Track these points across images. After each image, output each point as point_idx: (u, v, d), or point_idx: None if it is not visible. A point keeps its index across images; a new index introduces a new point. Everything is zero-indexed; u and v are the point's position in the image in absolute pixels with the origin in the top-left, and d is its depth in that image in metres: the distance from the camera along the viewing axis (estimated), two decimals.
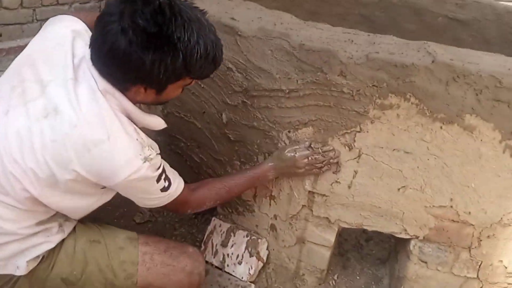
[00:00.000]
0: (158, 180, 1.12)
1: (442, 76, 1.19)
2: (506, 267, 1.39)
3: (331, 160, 1.36)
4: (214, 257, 1.62)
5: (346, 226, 1.48)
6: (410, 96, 1.23)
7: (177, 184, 1.21)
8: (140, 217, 1.90)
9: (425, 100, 1.23)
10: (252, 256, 1.55)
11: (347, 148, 1.34)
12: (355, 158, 1.35)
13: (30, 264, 1.12)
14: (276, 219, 1.58)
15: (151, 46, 0.95)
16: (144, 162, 1.06)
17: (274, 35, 1.31)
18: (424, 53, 1.23)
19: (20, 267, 1.10)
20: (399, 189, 1.36)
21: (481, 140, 1.23)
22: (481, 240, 1.36)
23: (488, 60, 1.23)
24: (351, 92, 1.25)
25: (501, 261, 1.38)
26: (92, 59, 1.03)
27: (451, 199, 1.33)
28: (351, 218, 1.46)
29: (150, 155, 1.08)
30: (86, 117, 1.01)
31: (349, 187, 1.40)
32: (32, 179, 1.03)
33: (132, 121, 1.09)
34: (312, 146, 1.35)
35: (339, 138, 1.33)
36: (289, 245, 1.60)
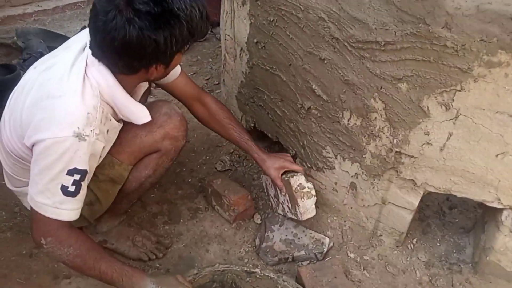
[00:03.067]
0: (70, 172, 1.04)
1: None
2: None
3: None
4: (278, 208, 1.65)
5: (433, 190, 1.42)
6: None
7: (75, 209, 1.09)
8: (221, 165, 1.97)
9: None
10: (302, 197, 1.50)
11: (443, 107, 1.25)
12: (452, 119, 1.26)
13: None
14: (357, 177, 1.55)
15: (161, 25, 1.00)
16: (75, 136, 1.03)
17: None
18: None
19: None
20: (497, 155, 1.26)
21: None
22: None
23: None
24: (455, 46, 1.15)
25: None
26: (96, 56, 1.10)
27: None
28: (440, 183, 1.39)
29: (87, 135, 1.04)
30: (59, 75, 1.09)
31: (441, 149, 1.32)
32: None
33: (115, 102, 1.14)
34: None
35: (435, 97, 1.25)
36: (369, 205, 1.58)
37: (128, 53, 1.04)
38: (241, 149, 1.59)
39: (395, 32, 1.22)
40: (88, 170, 1.09)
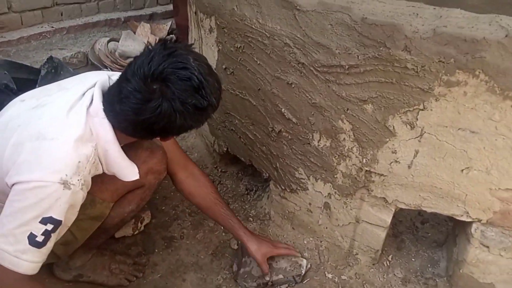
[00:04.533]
0: (44, 221, 0.98)
1: None
2: None
3: None
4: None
5: (403, 207, 1.45)
6: (479, 72, 1.16)
7: (36, 261, 1.00)
8: None
9: (496, 77, 1.15)
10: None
11: (408, 126, 1.29)
12: (417, 137, 1.30)
13: None
14: (330, 197, 1.57)
15: (203, 116, 1.07)
16: (60, 183, 0.98)
17: (334, 9, 1.27)
18: (496, 27, 1.15)
19: None
20: (462, 170, 1.30)
21: None
22: None
23: None
24: (415, 68, 1.20)
25: None
26: (106, 113, 1.08)
27: None
28: (410, 199, 1.42)
29: (73, 184, 1.00)
30: (54, 115, 1.05)
31: (409, 167, 1.36)
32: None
33: (106, 156, 1.11)
34: None
35: (400, 117, 1.29)
36: (343, 224, 1.60)
37: (158, 131, 1.07)
38: (226, 227, 1.52)
39: (358, 56, 1.26)
40: (62, 222, 1.02)
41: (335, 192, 1.54)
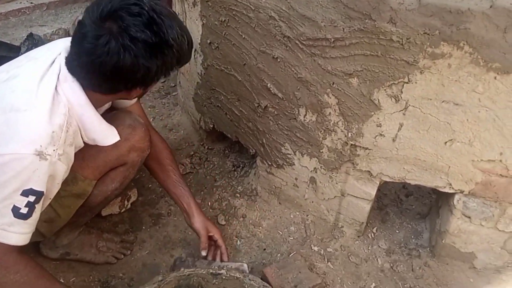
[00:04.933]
0: (25, 193, 0.97)
1: (501, 22, 1.11)
2: None
3: None
4: None
5: (388, 179, 1.47)
6: (463, 44, 1.16)
7: (24, 233, 1.01)
8: (182, 168, 1.94)
9: (480, 48, 1.16)
10: None
11: (393, 99, 1.30)
12: (401, 110, 1.31)
13: None
14: (316, 172, 1.58)
15: (156, 54, 1.01)
16: (35, 155, 0.97)
17: None
18: None
19: None
20: (446, 143, 1.32)
21: None
22: None
23: None
24: (400, 40, 1.20)
25: None
26: (73, 73, 1.06)
27: (501, 153, 1.29)
28: (394, 172, 1.44)
29: (48, 155, 0.98)
30: (25, 88, 1.03)
31: (394, 140, 1.37)
32: None
33: (83, 120, 1.09)
34: None
35: (385, 90, 1.29)
36: (329, 198, 1.62)
37: (116, 77, 1.02)
38: (175, 194, 1.47)
39: (343, 29, 1.25)
40: (44, 193, 1.02)
41: (320, 166, 1.56)
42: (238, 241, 1.65)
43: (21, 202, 0.98)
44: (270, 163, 1.69)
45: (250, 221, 1.72)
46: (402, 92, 1.28)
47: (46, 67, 1.07)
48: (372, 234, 1.68)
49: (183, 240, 1.64)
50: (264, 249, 1.62)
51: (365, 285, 1.52)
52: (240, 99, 1.67)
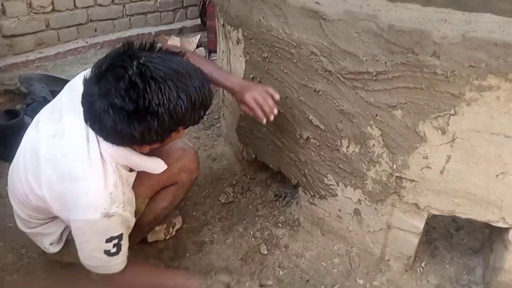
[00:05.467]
0: (108, 240, 1.13)
1: None
2: None
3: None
4: None
5: (436, 213, 1.42)
6: None
7: (121, 261, 1.20)
8: (224, 197, 1.99)
9: None
10: None
11: (440, 132, 1.27)
12: (449, 142, 1.28)
13: (54, 247, 1.35)
14: (360, 203, 1.56)
15: (135, 121, 0.99)
16: (103, 217, 1.08)
17: (361, 17, 1.27)
18: None
19: (47, 248, 1.35)
20: (497, 175, 1.27)
21: None
22: None
23: None
24: (445, 73, 1.19)
25: None
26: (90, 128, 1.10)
27: None
28: (442, 205, 1.40)
29: (114, 212, 1.09)
30: (77, 152, 1.10)
31: (441, 172, 1.34)
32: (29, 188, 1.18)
33: (130, 164, 1.17)
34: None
35: (431, 122, 1.27)
36: (374, 230, 1.59)
37: (109, 135, 1.06)
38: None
39: (386, 63, 1.26)
40: (124, 232, 1.16)
41: (365, 198, 1.54)
42: (281, 271, 1.64)
43: (108, 246, 1.14)
44: (312, 194, 1.69)
45: (293, 252, 1.71)
46: (448, 124, 1.26)
47: (87, 124, 1.11)
48: (421, 269, 1.62)
49: (226, 268, 1.66)
50: (307, 281, 1.60)
51: None
52: (282, 131, 1.70)
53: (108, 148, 1.12)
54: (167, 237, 1.76)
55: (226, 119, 2.20)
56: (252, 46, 1.66)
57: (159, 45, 1.08)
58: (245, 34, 1.68)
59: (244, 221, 1.85)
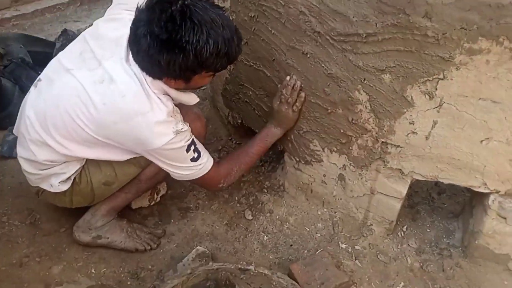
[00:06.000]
0: (187, 149, 1.31)
1: None
2: None
3: (295, 87, 1.49)
4: None
5: (420, 178, 1.43)
6: (503, 39, 1.11)
7: (207, 158, 1.39)
8: None
9: None
10: None
11: (427, 96, 1.26)
12: (436, 107, 1.27)
13: (62, 185, 1.40)
14: (345, 169, 1.56)
15: (164, 50, 1.12)
16: (176, 134, 1.25)
17: None
18: None
19: (53, 185, 1.40)
20: (482, 141, 1.28)
21: None
22: None
23: None
24: (436, 35, 1.16)
25: None
26: (131, 53, 1.23)
27: None
28: (426, 170, 1.40)
29: (182, 128, 1.27)
30: (133, 91, 1.22)
31: (427, 138, 1.33)
32: (76, 132, 1.28)
33: (170, 95, 1.28)
34: None
35: (419, 86, 1.26)
36: (358, 195, 1.59)
37: (143, 59, 1.18)
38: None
39: (376, 24, 1.22)
40: (193, 138, 1.33)
41: (350, 164, 1.53)
42: (265, 236, 1.65)
43: (191, 154, 1.32)
44: (298, 160, 1.68)
45: (277, 217, 1.72)
46: (436, 89, 1.24)
47: (129, 66, 1.23)
48: (402, 233, 1.65)
49: (210, 234, 1.66)
50: (291, 245, 1.62)
51: (394, 284, 1.50)
52: (269, 94, 1.66)
53: (152, 84, 1.23)
54: (152, 203, 1.75)
55: (212, 82, 2.15)
56: (239, 5, 1.59)
57: None
58: None
59: (230, 187, 1.84)
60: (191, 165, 1.35)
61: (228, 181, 1.50)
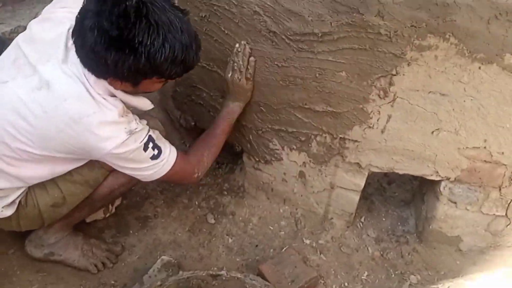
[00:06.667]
0: (145, 148, 1.19)
1: (484, 13, 1.14)
2: None
3: (245, 53, 1.41)
4: None
5: (376, 170, 1.49)
6: (449, 36, 1.18)
7: (169, 151, 1.27)
8: None
9: (465, 40, 1.18)
10: None
11: (382, 92, 1.31)
12: (390, 102, 1.33)
13: (6, 210, 1.26)
14: (305, 166, 1.58)
15: (113, 48, 1.02)
16: (130, 135, 1.15)
17: None
18: None
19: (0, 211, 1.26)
20: (433, 132, 1.35)
21: None
22: None
23: None
24: (388, 33, 1.21)
25: None
26: (74, 47, 1.10)
27: (485, 140, 1.33)
28: (383, 163, 1.46)
29: (136, 128, 1.16)
30: (76, 93, 1.11)
31: (382, 131, 1.39)
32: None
33: (119, 97, 1.17)
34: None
35: (374, 82, 1.30)
36: (318, 191, 1.63)
37: (87, 55, 1.06)
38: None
39: (331, 23, 1.24)
40: (148, 128, 1.21)
41: (310, 160, 1.56)
42: (230, 239, 1.63)
43: (150, 152, 1.20)
44: (257, 159, 1.68)
45: (240, 218, 1.71)
46: (390, 84, 1.30)
47: (67, 67, 1.11)
48: (361, 224, 1.71)
49: (173, 242, 1.61)
50: (257, 246, 1.62)
51: (358, 274, 1.55)
52: (224, 95, 1.64)
53: (96, 84, 1.12)
54: (107, 215, 1.65)
55: None
56: (188, 5, 1.54)
57: None
58: None
59: (188, 192, 1.80)
60: (153, 163, 1.23)
61: (202, 169, 1.39)
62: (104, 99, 1.13)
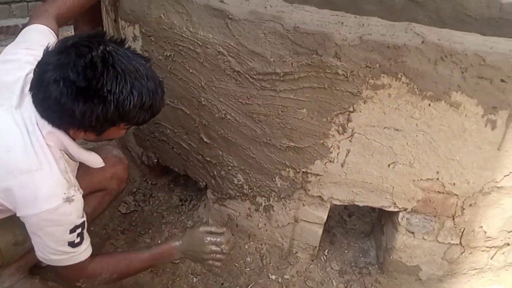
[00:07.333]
0: (72, 231, 1.11)
1: (431, 55, 1.25)
2: (485, 232, 1.50)
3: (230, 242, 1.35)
4: None
5: (338, 203, 1.54)
6: (401, 75, 1.28)
7: (86, 247, 1.17)
8: (125, 207, 1.86)
9: (415, 79, 1.28)
10: None
11: (340, 128, 1.38)
12: (348, 137, 1.39)
13: None
14: (269, 200, 1.60)
15: (81, 98, 0.99)
16: (65, 202, 1.08)
17: (266, 18, 1.30)
18: (412, 34, 1.28)
19: None
20: (389, 165, 1.43)
21: (466, 115, 1.31)
22: (464, 209, 1.46)
23: (470, 39, 1.30)
24: (345, 73, 1.29)
25: (481, 226, 1.49)
26: (32, 99, 1.07)
27: (438, 172, 1.41)
28: (343, 195, 1.51)
29: (73, 196, 1.10)
30: (20, 145, 1.06)
31: (342, 165, 1.45)
32: None
33: (70, 155, 1.15)
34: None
35: (333, 119, 1.37)
36: (282, 225, 1.64)
37: (49, 108, 1.03)
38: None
39: (292, 63, 1.31)
40: (85, 219, 1.14)
41: (274, 195, 1.58)
42: (194, 278, 1.60)
43: (72, 237, 1.11)
44: (222, 195, 1.68)
45: None
46: (348, 120, 1.37)
47: (20, 115, 1.07)
48: (324, 257, 1.73)
49: (135, 283, 1.55)
50: (222, 284, 1.59)
51: None
52: (189, 132, 1.65)
53: (53, 136, 1.08)
54: None
55: None
56: (152, 44, 1.58)
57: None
58: (143, 31, 1.59)
59: (150, 230, 1.76)
60: (65, 250, 1.12)
61: (88, 284, 1.24)
62: (51, 153, 1.08)
